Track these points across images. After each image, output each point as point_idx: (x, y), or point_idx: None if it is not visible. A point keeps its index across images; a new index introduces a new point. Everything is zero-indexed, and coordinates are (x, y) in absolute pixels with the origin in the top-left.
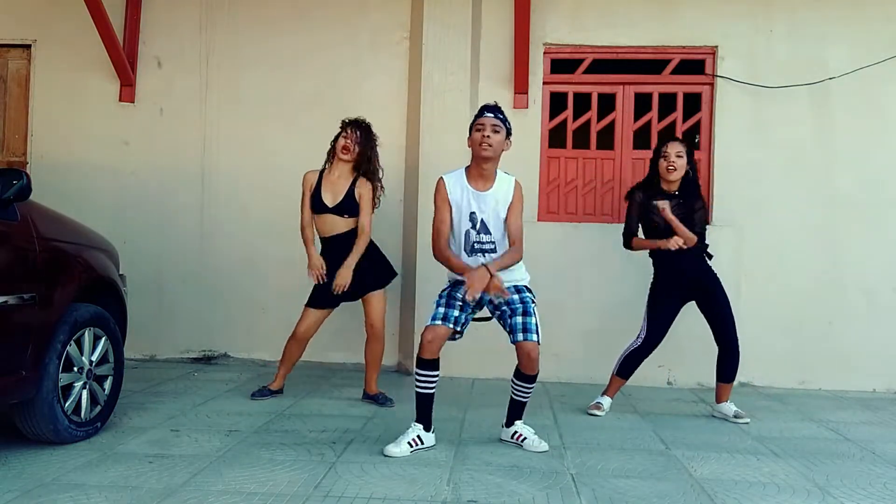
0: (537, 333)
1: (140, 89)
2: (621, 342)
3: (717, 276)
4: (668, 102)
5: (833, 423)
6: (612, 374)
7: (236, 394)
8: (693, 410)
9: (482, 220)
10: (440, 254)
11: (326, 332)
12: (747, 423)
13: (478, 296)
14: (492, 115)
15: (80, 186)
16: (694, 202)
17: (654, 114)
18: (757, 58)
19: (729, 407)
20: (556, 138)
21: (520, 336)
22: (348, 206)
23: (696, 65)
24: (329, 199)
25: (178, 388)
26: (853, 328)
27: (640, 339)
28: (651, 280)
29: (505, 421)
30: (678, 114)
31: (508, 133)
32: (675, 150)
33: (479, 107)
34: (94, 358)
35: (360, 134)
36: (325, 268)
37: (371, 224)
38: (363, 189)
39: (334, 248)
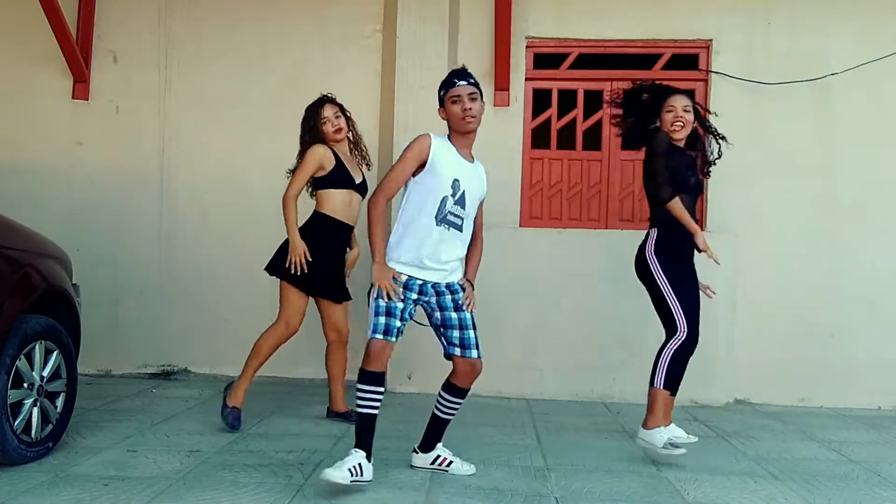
0: (477, 347)
1: (94, 86)
2: (609, 357)
3: None
4: None
5: (835, 443)
6: (660, 390)
7: (197, 412)
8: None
9: (463, 192)
10: (377, 211)
11: (292, 345)
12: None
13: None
14: (465, 82)
15: (30, 190)
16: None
17: None
18: (754, 52)
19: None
20: (539, 138)
21: (456, 351)
22: (363, 185)
23: (689, 59)
24: (356, 176)
25: (136, 406)
26: (856, 341)
27: (682, 334)
28: (655, 250)
29: (420, 444)
30: None
31: (482, 95)
32: (682, 103)
33: (448, 73)
34: (45, 373)
35: (339, 110)
36: (308, 255)
37: None
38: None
39: (342, 238)
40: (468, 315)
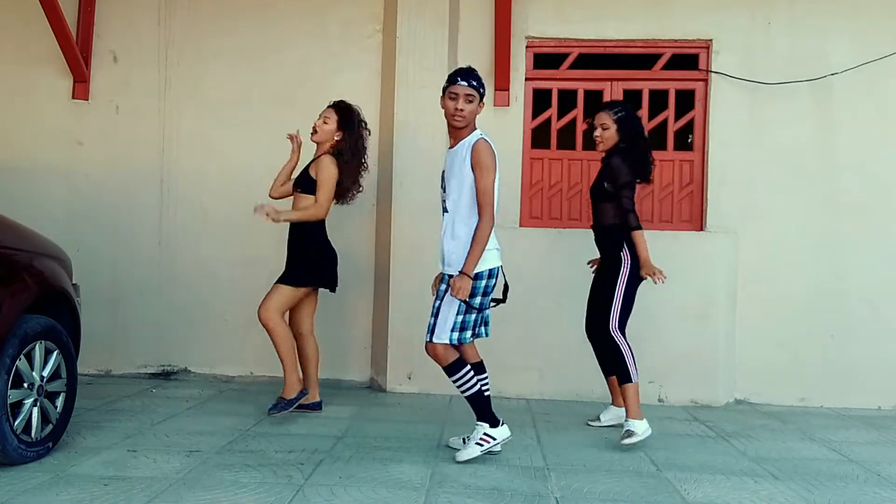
0: (432, 332)
1: (94, 85)
2: None
3: None
4: (659, 100)
5: (835, 443)
6: (628, 384)
7: (197, 412)
8: (686, 430)
9: (444, 177)
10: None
11: None
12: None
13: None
14: (465, 83)
15: (30, 190)
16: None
17: (644, 112)
18: (754, 52)
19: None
20: (539, 138)
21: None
22: (302, 181)
23: (689, 59)
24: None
25: (136, 406)
26: (856, 341)
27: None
28: (625, 269)
29: None
30: (670, 112)
31: (481, 98)
32: (599, 121)
33: (453, 70)
34: (45, 373)
35: (332, 112)
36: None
37: (324, 207)
38: (319, 167)
39: (290, 231)
40: (437, 303)
